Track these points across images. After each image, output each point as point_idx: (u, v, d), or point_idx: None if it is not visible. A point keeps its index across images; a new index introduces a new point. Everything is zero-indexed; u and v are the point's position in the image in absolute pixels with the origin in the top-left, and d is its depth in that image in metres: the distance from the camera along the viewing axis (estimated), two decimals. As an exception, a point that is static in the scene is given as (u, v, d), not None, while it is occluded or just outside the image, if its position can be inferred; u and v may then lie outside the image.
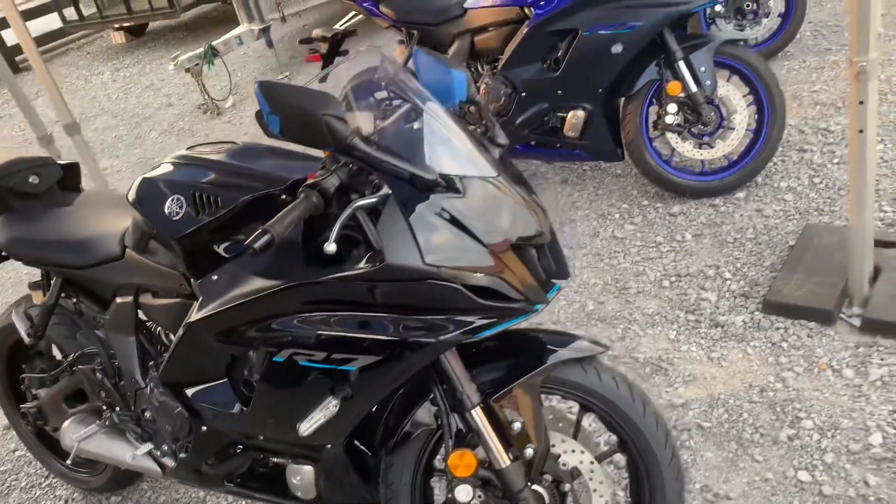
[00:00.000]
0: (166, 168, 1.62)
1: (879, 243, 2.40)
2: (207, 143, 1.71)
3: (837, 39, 4.08)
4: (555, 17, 2.93)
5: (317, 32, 3.71)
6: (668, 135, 3.00)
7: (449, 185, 1.33)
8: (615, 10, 2.84)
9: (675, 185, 3.06)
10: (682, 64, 2.85)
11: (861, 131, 1.98)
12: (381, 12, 3.41)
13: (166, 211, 1.53)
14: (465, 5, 3.25)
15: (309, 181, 1.33)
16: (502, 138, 1.53)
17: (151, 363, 1.84)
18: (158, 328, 1.85)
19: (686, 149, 3.02)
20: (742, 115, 2.95)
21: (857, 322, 2.23)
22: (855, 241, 2.20)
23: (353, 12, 3.59)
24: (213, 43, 5.97)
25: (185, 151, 1.68)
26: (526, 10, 3.04)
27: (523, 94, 3.09)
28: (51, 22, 9.33)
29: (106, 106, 6.85)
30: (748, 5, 4.01)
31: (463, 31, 3.25)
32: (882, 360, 2.10)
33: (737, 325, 2.37)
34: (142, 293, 1.81)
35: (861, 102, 1.93)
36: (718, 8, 3.99)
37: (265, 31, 6.34)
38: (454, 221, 1.31)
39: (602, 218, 3.14)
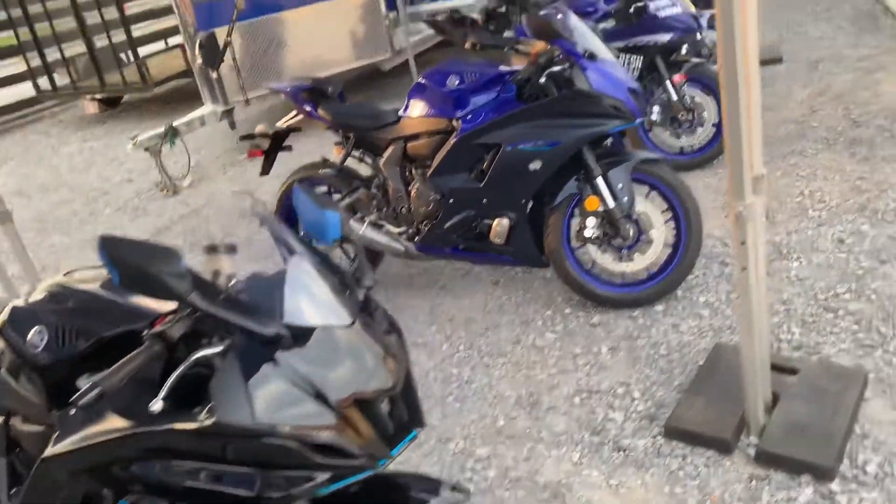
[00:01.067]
0: (38, 296, 1.63)
1: (780, 369, 2.44)
2: (89, 268, 1.72)
3: (774, 150, 4.21)
4: (479, 132, 3.03)
5: (259, 128, 3.78)
6: (589, 246, 3.08)
7: (297, 338, 1.34)
8: (536, 128, 2.94)
9: (596, 296, 3.11)
10: (600, 180, 2.94)
11: (744, 268, 2.04)
12: (319, 115, 3.50)
13: (29, 340, 1.53)
14: (400, 113, 3.35)
15: (156, 328, 1.35)
16: (369, 280, 1.55)
17: (14, 490, 1.80)
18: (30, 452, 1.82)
19: (606, 260, 3.08)
20: (660, 230, 3.03)
21: (752, 452, 2.24)
22: (747, 371, 2.23)
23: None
24: (176, 123, 6.06)
25: (61, 279, 1.69)
26: (454, 122, 3.14)
27: (451, 200, 3.16)
28: (25, 90, 9.45)
29: (67, 178, 6.89)
30: (683, 115, 4.19)
31: (397, 137, 3.34)
32: (772, 495, 2.10)
33: (638, 449, 2.37)
34: (13, 416, 1.79)
35: (742, 243, 2.00)
36: (654, 117, 4.16)
37: (228, 114, 6.47)
38: (295, 376, 1.31)
39: (525, 324, 3.17)
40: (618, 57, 3.82)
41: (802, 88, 5.08)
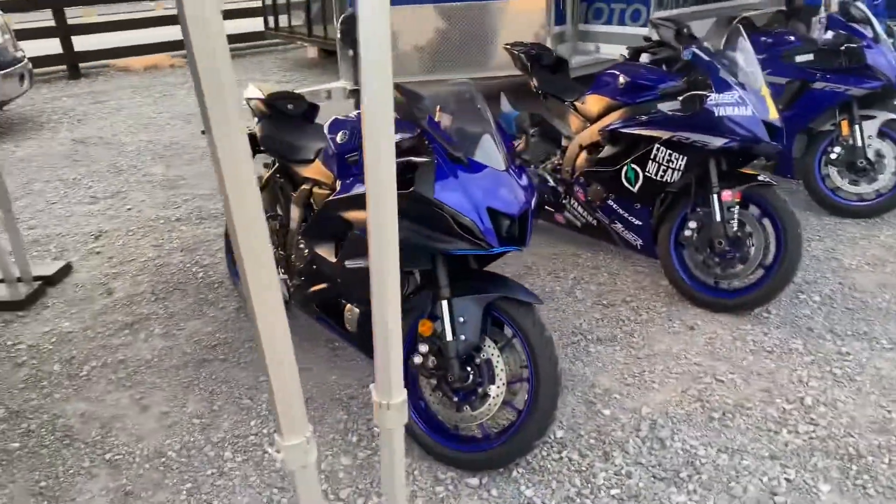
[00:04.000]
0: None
1: None
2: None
3: None
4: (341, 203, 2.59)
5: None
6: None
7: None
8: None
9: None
10: (444, 305, 2.34)
11: None
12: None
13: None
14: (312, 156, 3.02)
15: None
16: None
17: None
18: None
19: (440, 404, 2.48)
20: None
21: None
22: None
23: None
24: (301, 90, 6.19)
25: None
26: (336, 182, 2.70)
27: (313, 266, 2.76)
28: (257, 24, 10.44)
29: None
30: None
31: (308, 177, 3.00)
32: None
33: None
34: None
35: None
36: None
37: (355, 93, 6.45)
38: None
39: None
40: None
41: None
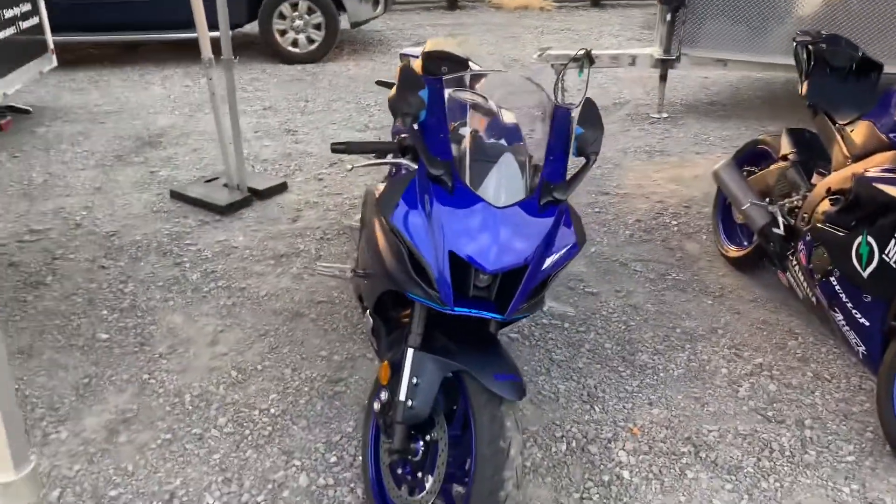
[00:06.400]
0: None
1: None
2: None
3: None
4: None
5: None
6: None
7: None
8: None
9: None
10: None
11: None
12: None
13: None
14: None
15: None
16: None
17: None
18: None
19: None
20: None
21: None
22: None
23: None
24: (597, 52, 5.58)
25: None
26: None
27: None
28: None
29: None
30: None
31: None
32: None
33: None
34: None
35: None
36: None
37: (664, 65, 5.56)
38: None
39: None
40: None
41: None
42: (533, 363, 2.76)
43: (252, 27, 7.53)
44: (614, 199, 4.23)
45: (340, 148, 1.87)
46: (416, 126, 1.80)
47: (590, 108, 1.99)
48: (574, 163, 1.95)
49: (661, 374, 2.70)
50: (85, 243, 3.68)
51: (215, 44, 3.82)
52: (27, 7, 5.25)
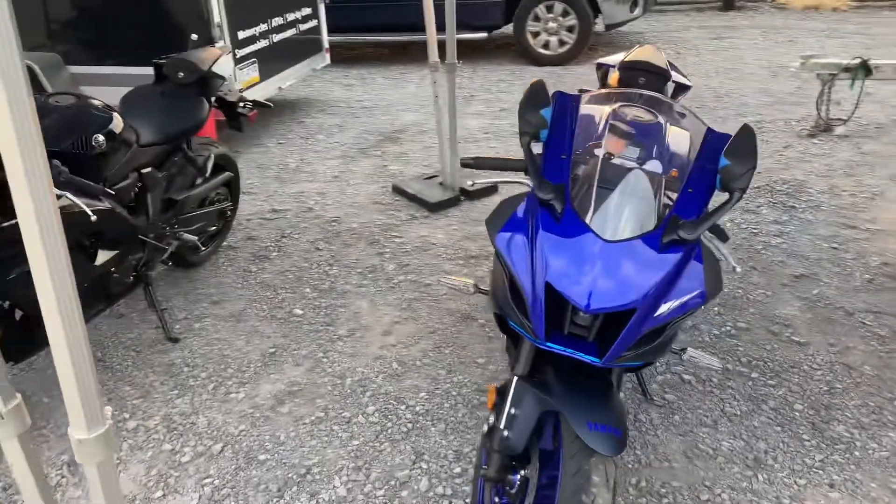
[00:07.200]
0: None
1: None
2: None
3: None
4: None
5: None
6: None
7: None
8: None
9: None
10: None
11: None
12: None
13: None
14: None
15: None
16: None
17: None
18: None
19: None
20: None
21: None
22: None
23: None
24: (882, 62, 4.79)
25: None
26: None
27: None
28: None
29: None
30: None
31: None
32: None
33: None
34: None
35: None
36: None
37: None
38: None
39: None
40: None
41: None
42: (700, 412, 2.48)
43: (509, 29, 7.72)
44: (862, 234, 3.61)
45: (469, 163, 1.84)
46: (532, 145, 1.70)
47: (744, 135, 1.71)
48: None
49: (857, 453, 2.26)
50: (311, 226, 4.08)
51: (462, 46, 3.95)
52: (307, 11, 5.96)
